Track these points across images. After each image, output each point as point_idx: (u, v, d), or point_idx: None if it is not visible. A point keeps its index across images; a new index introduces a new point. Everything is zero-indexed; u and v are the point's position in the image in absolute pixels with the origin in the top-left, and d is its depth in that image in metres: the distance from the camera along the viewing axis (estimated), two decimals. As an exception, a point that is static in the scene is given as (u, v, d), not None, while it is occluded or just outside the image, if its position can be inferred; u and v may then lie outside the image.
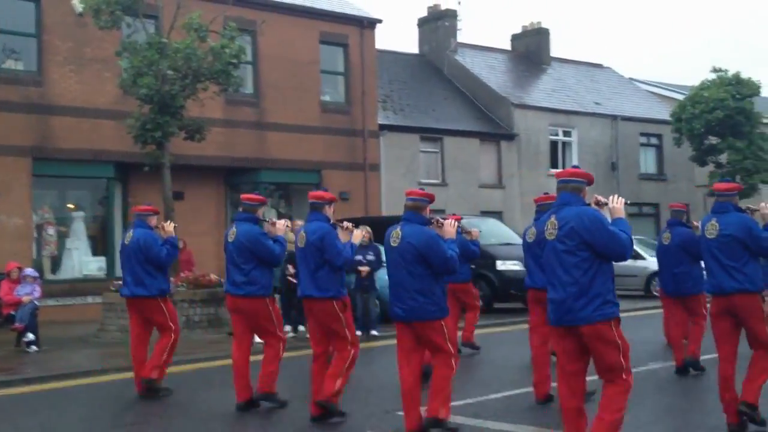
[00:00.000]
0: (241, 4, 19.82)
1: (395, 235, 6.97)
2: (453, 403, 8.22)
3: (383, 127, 24.64)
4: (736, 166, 27.83)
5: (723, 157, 28.58)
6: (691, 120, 27.96)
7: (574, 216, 5.57)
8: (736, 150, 27.70)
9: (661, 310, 11.82)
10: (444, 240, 6.93)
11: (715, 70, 29.01)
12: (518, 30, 34.29)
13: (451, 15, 31.24)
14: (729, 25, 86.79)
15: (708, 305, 9.17)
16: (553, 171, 28.95)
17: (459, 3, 32.54)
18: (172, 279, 14.75)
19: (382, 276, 15.29)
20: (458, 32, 31.45)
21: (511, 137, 28.05)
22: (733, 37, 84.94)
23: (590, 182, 5.87)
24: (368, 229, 14.22)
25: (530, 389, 8.90)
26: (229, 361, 12.07)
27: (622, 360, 5.54)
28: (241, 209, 8.62)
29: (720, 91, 27.63)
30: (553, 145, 29.46)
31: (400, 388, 6.99)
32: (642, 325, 14.50)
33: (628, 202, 6.22)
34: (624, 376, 5.57)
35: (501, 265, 17.79)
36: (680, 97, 31.45)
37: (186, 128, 16.05)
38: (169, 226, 9.60)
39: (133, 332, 9.52)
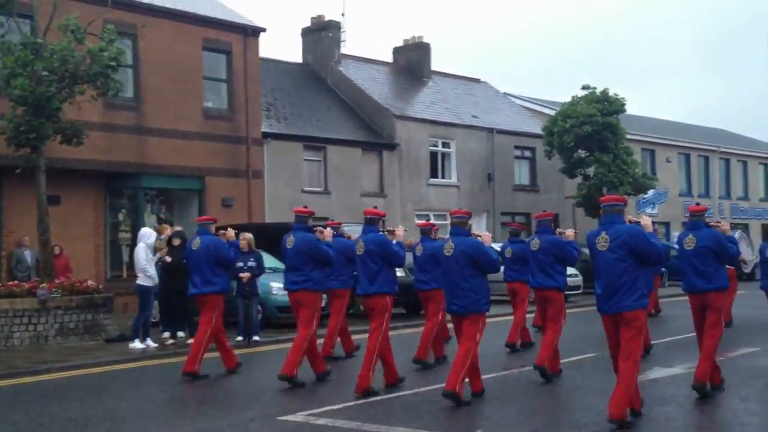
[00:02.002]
0: (121, 7, 19.46)
1: (448, 246, 8.60)
2: (335, 407, 8.51)
3: (267, 135, 24.67)
4: (602, 178, 29.19)
5: (591, 170, 29.92)
6: (562, 134, 29.20)
7: (625, 232, 7.41)
8: (602, 163, 29.08)
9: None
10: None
11: (584, 87, 30.41)
12: (400, 43, 34.97)
13: (334, 26, 31.54)
14: (597, 46, 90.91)
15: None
16: (433, 180, 29.69)
17: (343, 15, 32.70)
18: (45, 285, 14.46)
19: (264, 282, 15.43)
20: (342, 43, 31.82)
21: (392, 147, 28.56)
22: (600, 57, 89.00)
23: (626, 204, 7.74)
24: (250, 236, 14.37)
25: (409, 392, 9.34)
26: (107, 368, 11.97)
27: (639, 340, 7.45)
28: (294, 220, 10.19)
29: (589, 107, 28.99)
30: (433, 155, 30.16)
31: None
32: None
33: (654, 223, 8.07)
34: (636, 353, 7.41)
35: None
36: (552, 112, 32.77)
37: (62, 131, 15.67)
38: (230, 232, 11.40)
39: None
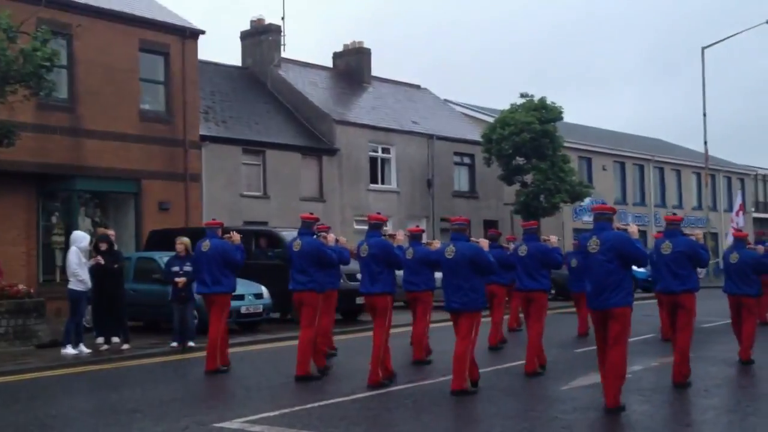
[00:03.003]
0: (56, 6, 19.07)
1: (449, 250, 9.48)
2: (272, 413, 8.46)
3: (205, 138, 24.38)
4: (540, 186, 29.57)
5: (528, 178, 30.27)
6: (500, 141, 29.50)
7: (612, 237, 8.39)
8: (540, 171, 29.45)
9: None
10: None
11: (522, 95, 30.80)
12: (340, 48, 34.94)
13: (275, 30, 31.36)
14: (535, 54, 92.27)
15: None
16: (373, 186, 29.73)
17: (283, 19, 32.55)
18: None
19: (201, 287, 15.20)
20: (282, 47, 31.65)
21: (332, 152, 28.52)
22: (538, 65, 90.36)
23: (615, 212, 8.84)
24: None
25: (346, 398, 9.33)
26: (38, 375, 11.72)
27: (626, 334, 8.47)
28: (301, 226, 10.94)
29: (527, 115, 29.33)
30: (373, 161, 30.20)
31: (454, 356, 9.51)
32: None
33: (639, 226, 9.70)
34: (623, 345, 8.41)
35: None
36: (491, 119, 33.09)
37: (-7, 132, 15.27)
38: (235, 236, 11.74)
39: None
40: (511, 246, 13.48)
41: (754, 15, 69.72)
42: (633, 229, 8.71)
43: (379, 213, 11.19)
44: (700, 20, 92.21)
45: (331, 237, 11.13)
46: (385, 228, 10.74)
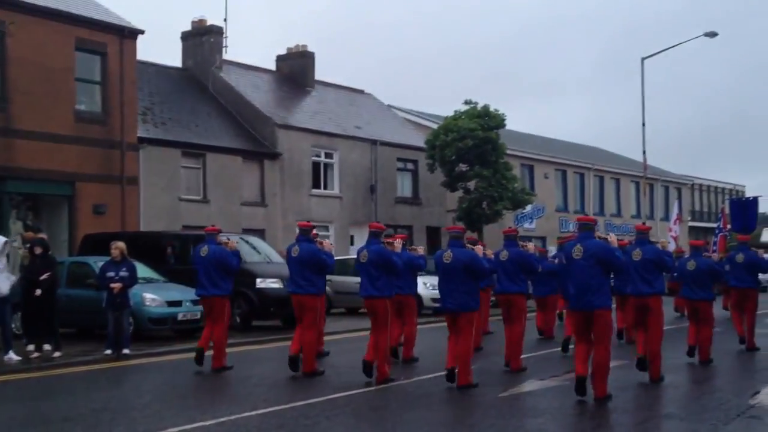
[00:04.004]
0: (-12, 2, 18.50)
1: (447, 255, 10.26)
2: (207, 423, 8.23)
3: (143, 140, 23.88)
4: (483, 193, 29.68)
5: (471, 184, 30.36)
6: (443, 147, 29.54)
7: (594, 245, 9.26)
8: (482, 178, 29.56)
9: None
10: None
11: (466, 102, 30.91)
12: (283, 51, 34.66)
13: (216, 31, 30.92)
14: (480, 61, 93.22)
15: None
16: (315, 191, 29.50)
17: (225, 20, 32.11)
18: None
19: (137, 292, 14.82)
20: (224, 49, 31.23)
21: (274, 156, 28.23)
22: (483, 73, 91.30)
23: (596, 223, 9.75)
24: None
25: (285, 406, 9.13)
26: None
27: (609, 332, 9.38)
28: (299, 233, 11.66)
29: (470, 122, 29.43)
30: (316, 165, 29.99)
31: (448, 354, 10.29)
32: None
33: (619, 238, 11.41)
34: (607, 342, 9.27)
35: (261, 283, 17.74)
36: (434, 125, 33.13)
37: None
38: (233, 243, 12.32)
39: (209, 322, 12.25)
40: (490, 251, 14.28)
41: (697, 27, 71.51)
42: (613, 239, 9.72)
43: (378, 221, 11.91)
44: (645, 32, 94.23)
45: (327, 243, 11.92)
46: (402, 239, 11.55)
